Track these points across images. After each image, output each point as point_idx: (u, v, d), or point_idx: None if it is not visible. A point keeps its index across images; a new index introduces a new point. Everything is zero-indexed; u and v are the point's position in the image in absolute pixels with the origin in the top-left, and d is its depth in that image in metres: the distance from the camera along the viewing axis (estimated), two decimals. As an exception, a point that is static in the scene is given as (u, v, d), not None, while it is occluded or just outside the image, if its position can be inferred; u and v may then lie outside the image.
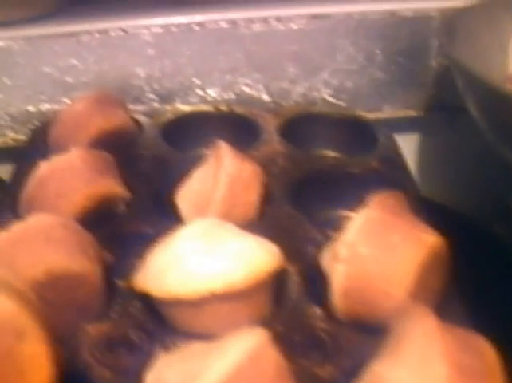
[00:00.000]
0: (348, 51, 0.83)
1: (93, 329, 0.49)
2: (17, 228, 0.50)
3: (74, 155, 0.60)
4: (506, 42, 0.78)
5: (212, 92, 0.83)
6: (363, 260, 0.49)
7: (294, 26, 0.82)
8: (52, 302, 0.49)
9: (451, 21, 0.73)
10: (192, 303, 0.47)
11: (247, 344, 0.39)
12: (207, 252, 0.48)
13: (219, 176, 0.58)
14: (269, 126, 0.74)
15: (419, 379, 0.39)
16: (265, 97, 0.84)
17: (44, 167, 0.59)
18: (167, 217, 0.61)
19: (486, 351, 0.41)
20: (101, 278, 0.51)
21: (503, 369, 0.41)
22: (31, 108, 0.82)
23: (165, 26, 0.81)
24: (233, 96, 0.83)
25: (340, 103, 0.85)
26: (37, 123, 0.81)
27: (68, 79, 0.81)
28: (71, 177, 0.59)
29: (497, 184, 0.79)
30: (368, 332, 0.48)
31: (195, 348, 0.42)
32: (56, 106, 0.82)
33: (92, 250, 0.52)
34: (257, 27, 0.81)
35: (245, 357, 0.39)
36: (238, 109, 0.78)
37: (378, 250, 0.49)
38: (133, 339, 0.49)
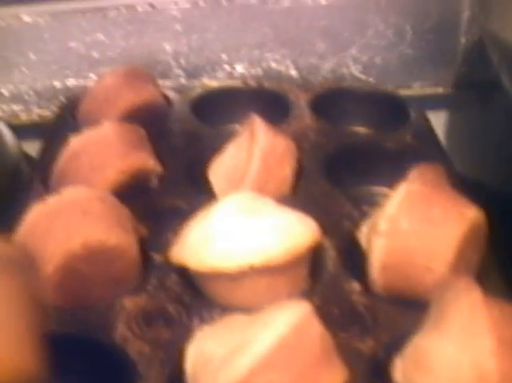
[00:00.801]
0: (377, 27, 0.82)
1: (130, 303, 0.49)
2: (53, 201, 0.50)
3: (107, 129, 0.59)
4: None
5: (240, 68, 0.83)
6: (403, 234, 0.48)
7: (323, 1, 0.81)
8: (88, 275, 0.49)
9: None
10: (230, 277, 0.47)
11: (292, 316, 0.39)
12: (245, 226, 0.48)
13: (253, 151, 0.57)
14: (300, 101, 0.73)
15: (464, 353, 0.39)
16: (294, 73, 0.83)
17: (76, 141, 0.59)
18: (200, 191, 0.60)
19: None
20: (138, 251, 0.51)
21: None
22: (57, 84, 0.82)
23: (193, 1, 0.80)
24: (260, 72, 0.83)
25: (370, 79, 0.84)
26: (63, 99, 0.81)
27: (95, 54, 0.81)
28: (104, 151, 0.58)
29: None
30: (408, 306, 0.48)
31: (237, 320, 0.42)
32: (82, 82, 0.82)
33: (128, 223, 0.52)
34: (285, 2, 0.81)
35: (290, 329, 0.38)
36: (268, 84, 0.78)
37: (419, 224, 0.48)
38: (171, 312, 0.49)
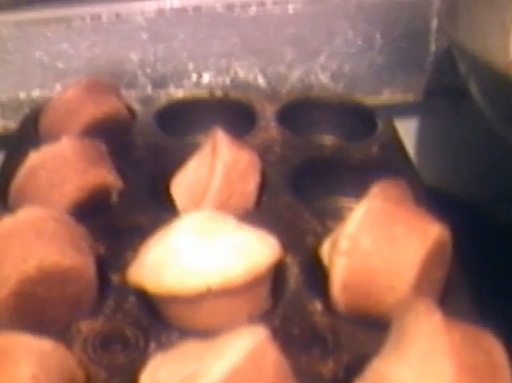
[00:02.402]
0: (346, 34, 0.82)
1: (87, 326, 0.48)
2: (7, 223, 0.49)
3: (65, 145, 0.58)
4: (507, 23, 0.76)
5: (207, 77, 0.82)
6: (364, 253, 0.47)
7: (291, 10, 0.80)
8: (44, 298, 0.48)
9: (452, 2, 0.72)
10: (189, 299, 0.46)
11: (246, 344, 0.38)
12: (204, 246, 0.47)
13: (215, 165, 0.57)
14: (266, 112, 0.72)
15: (423, 379, 0.38)
16: (262, 82, 0.83)
17: (34, 157, 0.58)
18: (162, 207, 0.59)
19: (493, 349, 0.40)
20: (94, 272, 0.50)
21: (509, 365, 0.40)
22: (22, 95, 0.81)
23: (159, 10, 0.79)
24: (228, 81, 0.82)
25: (339, 87, 0.83)
26: (27, 110, 0.79)
27: (60, 65, 0.80)
28: (62, 167, 0.57)
29: (499, 169, 0.78)
30: (370, 326, 0.47)
31: (192, 347, 0.41)
32: (47, 93, 0.81)
33: (84, 243, 0.51)
34: (252, 10, 0.80)
35: (244, 358, 0.37)
36: (234, 95, 0.77)
37: (380, 242, 0.47)
38: (127, 335, 0.47)
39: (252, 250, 0.47)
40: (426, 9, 0.81)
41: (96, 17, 0.79)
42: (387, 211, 0.48)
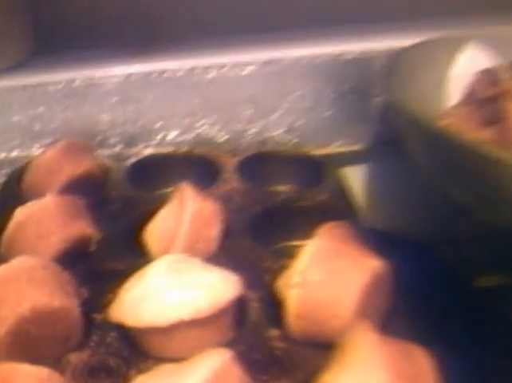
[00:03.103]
0: (298, 92, 0.90)
1: (75, 358, 0.55)
2: (2, 270, 0.56)
3: (48, 201, 0.65)
4: (444, 83, 0.84)
5: (173, 135, 0.89)
6: (313, 285, 0.55)
7: (247, 71, 0.88)
8: (37, 335, 0.55)
9: (391, 62, 0.79)
10: (163, 330, 0.53)
11: (213, 362, 0.45)
12: (175, 285, 0.54)
13: (183, 215, 0.64)
14: (228, 165, 0.80)
15: (362, 384, 0.46)
16: (223, 138, 0.90)
17: (22, 212, 0.65)
18: (136, 254, 0.66)
19: (421, 359, 0.48)
20: (79, 312, 0.57)
21: (436, 374, 0.48)
22: (2, 155, 0.87)
23: (127, 75, 0.86)
24: (192, 138, 0.89)
25: (293, 141, 0.91)
26: (8, 169, 0.86)
27: (37, 127, 0.87)
28: (47, 221, 0.64)
29: (443, 213, 0.85)
30: (320, 349, 0.54)
31: (167, 368, 0.48)
32: (26, 152, 0.87)
33: (69, 287, 0.58)
34: (210, 74, 0.87)
35: (211, 374, 0.44)
36: (198, 150, 0.84)
37: (326, 275, 0.55)
38: (111, 365, 0.54)
39: (216, 287, 0.54)
40: (369, 66, 0.89)
41: (70, 83, 0.86)
42: (332, 248, 0.56)
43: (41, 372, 0.48)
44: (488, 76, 0.76)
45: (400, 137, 0.77)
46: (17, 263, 0.57)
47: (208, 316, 0.53)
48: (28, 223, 0.64)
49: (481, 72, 0.78)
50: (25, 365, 0.48)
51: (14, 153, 0.88)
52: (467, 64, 0.84)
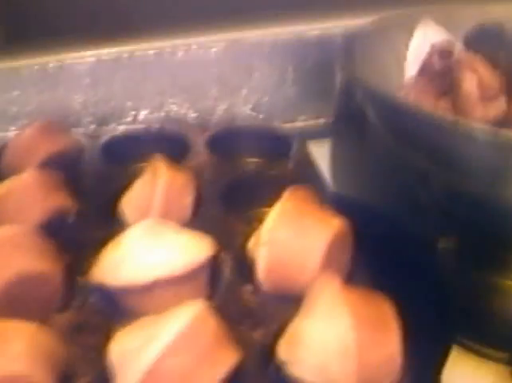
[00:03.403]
0: (263, 71, 0.94)
1: (61, 317, 0.58)
2: (-14, 238, 0.59)
3: (27, 176, 0.68)
4: (401, 56, 0.89)
5: (143, 114, 0.93)
6: (281, 242, 0.59)
7: (214, 51, 0.92)
8: (23, 298, 0.58)
9: (350, 40, 0.84)
10: (142, 289, 0.57)
11: (190, 311, 0.49)
12: (151, 246, 0.58)
13: (156, 185, 0.68)
14: (198, 140, 0.84)
15: (329, 329, 0.50)
16: (192, 115, 0.94)
17: (2, 187, 0.68)
18: (113, 223, 0.70)
19: (382, 303, 0.52)
20: (63, 276, 0.60)
21: (396, 317, 0.52)
22: (-21, 137, 0.90)
23: (98, 57, 0.90)
24: (163, 116, 0.93)
25: (259, 116, 0.95)
26: (-16, 151, 0.89)
27: (12, 109, 0.90)
28: (27, 195, 0.67)
29: (407, 183, 0.90)
30: (290, 301, 0.58)
31: (146, 320, 0.51)
32: (1, 134, 0.90)
33: (52, 253, 0.61)
34: (179, 55, 0.91)
35: (189, 321, 0.48)
36: (170, 127, 0.88)
37: (293, 233, 0.59)
38: (95, 322, 0.58)
39: (190, 248, 0.58)
40: (330, 44, 0.94)
41: (43, 66, 0.89)
42: (297, 208, 0.60)
43: (31, 327, 0.52)
44: (441, 50, 0.80)
45: (361, 111, 0.82)
46: (2, 231, 0.60)
47: (183, 274, 0.57)
48: (8, 197, 0.67)
49: (434, 46, 0.82)
50: (14, 321, 0.51)
51: (-10, 134, 0.90)
52: (421, 39, 0.89)
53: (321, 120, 0.97)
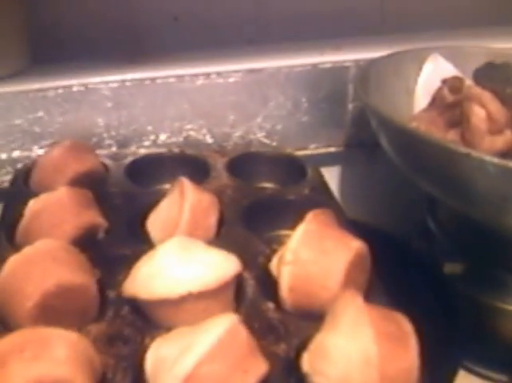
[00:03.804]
0: (278, 99, 0.98)
1: (94, 328, 0.62)
2: (28, 250, 0.63)
3: (62, 192, 0.72)
4: (411, 88, 0.93)
5: (163, 138, 0.97)
6: (304, 262, 0.63)
7: (232, 79, 0.96)
8: (59, 309, 0.61)
9: (364, 70, 0.88)
10: (173, 303, 0.60)
11: (226, 322, 0.53)
12: (183, 262, 0.61)
13: (183, 205, 0.71)
14: (218, 164, 0.88)
15: (352, 343, 0.53)
16: (210, 140, 0.98)
17: (37, 203, 0.71)
18: (140, 241, 0.73)
19: (402, 322, 0.56)
20: (96, 288, 0.64)
21: (414, 333, 0.56)
22: (3, 156, 0.93)
23: (121, 81, 0.93)
24: (182, 141, 0.97)
25: (273, 143, 0.99)
26: (8, 168, 0.93)
27: (37, 129, 0.93)
28: (61, 210, 0.71)
29: (415, 209, 0.94)
30: (311, 318, 0.62)
31: (183, 329, 0.55)
32: (26, 153, 0.94)
33: (87, 267, 0.65)
34: (199, 81, 0.95)
35: (225, 331, 0.52)
36: (190, 151, 0.92)
37: (315, 254, 0.63)
38: (127, 334, 0.61)
39: (220, 264, 0.62)
40: (343, 75, 0.98)
41: (67, 88, 0.93)
42: (319, 230, 0.64)
43: (72, 335, 0.55)
44: (452, 84, 0.85)
45: (374, 138, 0.86)
46: (41, 245, 0.63)
47: (214, 289, 0.60)
48: (43, 212, 0.71)
49: (445, 80, 0.86)
50: (57, 329, 0.55)
51: (15, 154, 0.93)
52: (431, 74, 0.94)
53: (332, 149, 1.01)
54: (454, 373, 0.65)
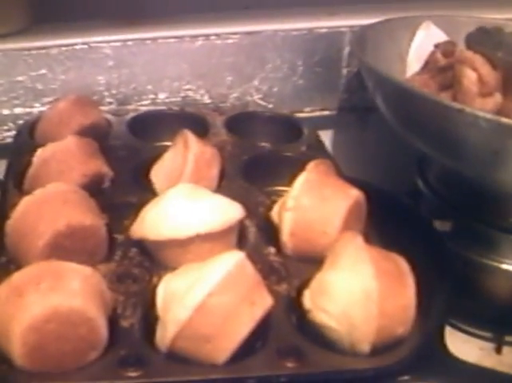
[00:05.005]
0: (275, 62, 1.00)
1: (104, 268, 0.64)
2: (39, 193, 0.65)
3: (70, 141, 0.75)
4: (404, 54, 0.96)
5: (162, 97, 0.99)
6: (305, 208, 0.66)
7: (230, 41, 0.98)
8: (69, 249, 0.64)
9: (360, 34, 0.91)
10: (181, 243, 0.63)
11: (232, 258, 0.56)
12: (191, 205, 0.64)
13: (188, 156, 0.74)
14: (217, 122, 0.90)
15: (354, 279, 0.56)
16: (207, 101, 1.00)
17: (45, 151, 0.74)
18: (142, 190, 0.76)
19: (400, 261, 0.59)
20: (105, 230, 0.67)
21: (411, 273, 0.59)
22: (5, 112, 0.95)
23: (122, 41, 0.95)
24: (179, 100, 0.99)
25: (269, 106, 1.02)
26: (10, 124, 0.94)
27: (39, 86, 0.95)
28: (69, 158, 0.73)
29: (404, 171, 0.97)
30: (310, 262, 0.65)
31: (192, 265, 0.58)
32: (28, 110, 0.95)
33: (96, 210, 0.68)
34: (199, 42, 0.97)
35: (232, 267, 0.55)
36: (189, 109, 0.94)
37: (315, 201, 0.66)
38: (135, 273, 0.64)
39: (226, 209, 0.65)
40: (338, 40, 1.00)
41: (70, 47, 0.95)
42: (319, 179, 0.67)
43: (86, 269, 0.58)
44: (444, 49, 0.88)
45: (367, 102, 0.88)
46: (52, 188, 0.66)
47: (220, 232, 0.63)
48: (51, 160, 0.73)
49: (438, 44, 0.89)
50: (71, 263, 0.58)
51: (17, 110, 0.95)
52: (423, 41, 0.97)
53: (326, 112, 1.04)
54: (445, 317, 0.68)
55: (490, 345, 0.84)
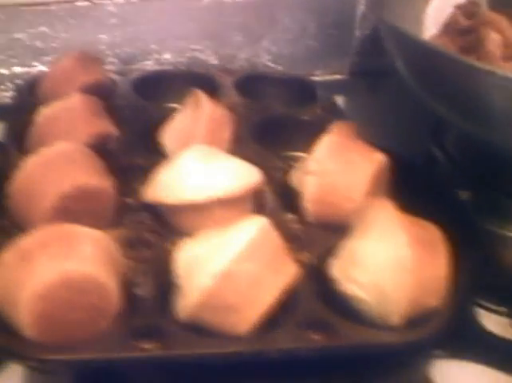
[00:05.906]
0: (285, 22, 0.96)
1: (113, 232, 0.60)
2: (45, 152, 0.61)
3: (75, 99, 0.70)
4: (420, 17, 0.92)
5: (167, 56, 0.94)
6: (329, 172, 0.62)
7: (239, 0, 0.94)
8: (75, 211, 0.60)
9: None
10: (198, 208, 0.59)
11: (257, 223, 0.52)
12: (208, 168, 0.60)
13: (200, 117, 0.70)
14: (226, 82, 0.86)
15: (386, 247, 0.52)
16: (214, 62, 0.96)
17: (49, 109, 0.69)
18: (151, 151, 0.72)
19: (433, 229, 0.55)
20: (113, 192, 0.62)
21: (446, 243, 0.55)
22: (4, 71, 0.91)
23: (127, -2, 0.91)
24: (186, 61, 0.95)
25: (279, 68, 0.98)
26: (7, 84, 0.90)
27: (39, 44, 0.91)
28: (74, 117, 0.69)
29: (418, 138, 0.93)
30: (333, 229, 0.61)
31: (213, 231, 0.54)
32: (26, 69, 0.91)
33: (103, 171, 0.63)
34: (207, 0, 0.93)
35: (257, 233, 0.51)
36: (197, 69, 0.90)
37: (340, 164, 0.62)
38: (148, 239, 0.60)
39: (243, 173, 0.61)
40: (352, 1, 0.97)
41: (72, 3, 0.90)
42: (343, 142, 0.63)
43: (96, 233, 0.54)
44: (466, 9, 0.84)
45: (381, 65, 0.84)
46: (58, 147, 0.62)
47: (239, 196, 0.60)
48: (56, 119, 0.69)
49: (459, 5, 0.85)
50: (82, 226, 0.54)
51: (16, 69, 0.91)
52: (441, 2, 0.93)
53: (337, 76, 1.00)
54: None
55: (506, 321, 0.81)
